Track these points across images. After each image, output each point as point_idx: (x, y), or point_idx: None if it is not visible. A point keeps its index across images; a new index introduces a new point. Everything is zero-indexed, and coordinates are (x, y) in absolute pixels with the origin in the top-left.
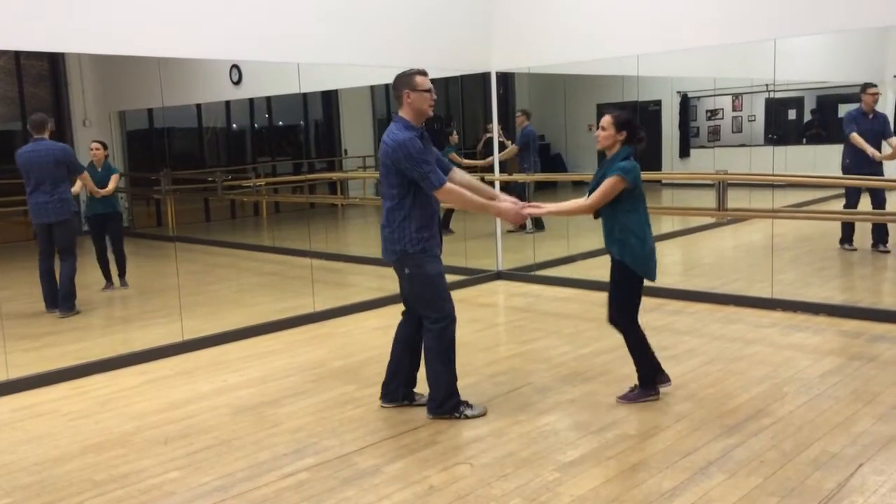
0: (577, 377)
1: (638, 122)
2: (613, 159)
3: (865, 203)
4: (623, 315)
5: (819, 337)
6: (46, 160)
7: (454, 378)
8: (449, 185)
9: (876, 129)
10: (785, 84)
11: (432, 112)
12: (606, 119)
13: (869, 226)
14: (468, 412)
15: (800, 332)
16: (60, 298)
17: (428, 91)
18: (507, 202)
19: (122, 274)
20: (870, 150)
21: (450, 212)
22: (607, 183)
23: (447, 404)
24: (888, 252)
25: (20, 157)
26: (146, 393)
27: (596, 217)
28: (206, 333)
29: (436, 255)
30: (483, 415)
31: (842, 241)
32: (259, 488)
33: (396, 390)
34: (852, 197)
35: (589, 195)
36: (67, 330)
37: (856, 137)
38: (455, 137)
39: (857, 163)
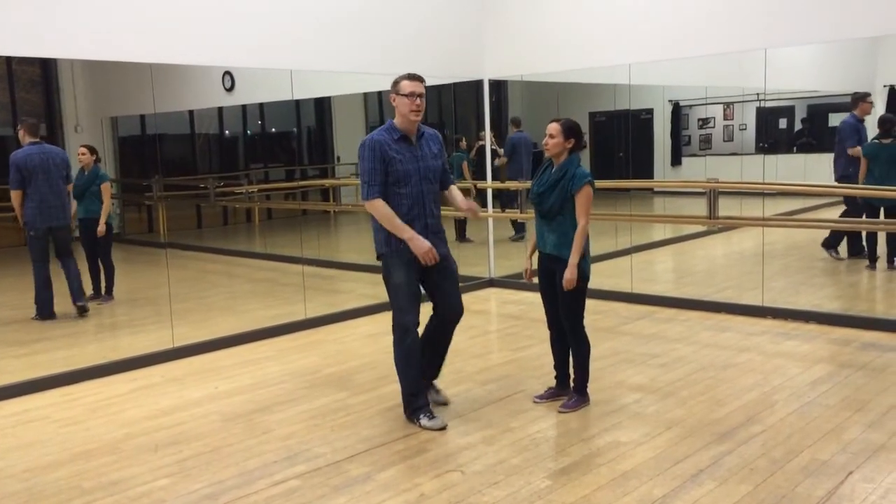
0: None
1: (580, 128)
2: (566, 168)
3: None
4: (576, 320)
5: (809, 345)
6: (55, 163)
7: (412, 384)
8: (377, 201)
9: (866, 134)
10: (776, 93)
11: (416, 117)
12: (554, 127)
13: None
14: (423, 422)
15: (790, 339)
16: (77, 291)
17: (408, 95)
18: (423, 241)
19: (109, 288)
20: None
21: (463, 219)
22: (585, 196)
23: (408, 409)
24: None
25: (24, 159)
26: (136, 400)
27: (544, 218)
28: (196, 340)
29: (405, 261)
30: (441, 429)
31: (830, 247)
32: (249, 496)
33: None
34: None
35: (537, 200)
36: (57, 336)
37: (857, 151)
38: (464, 143)
39: (858, 171)
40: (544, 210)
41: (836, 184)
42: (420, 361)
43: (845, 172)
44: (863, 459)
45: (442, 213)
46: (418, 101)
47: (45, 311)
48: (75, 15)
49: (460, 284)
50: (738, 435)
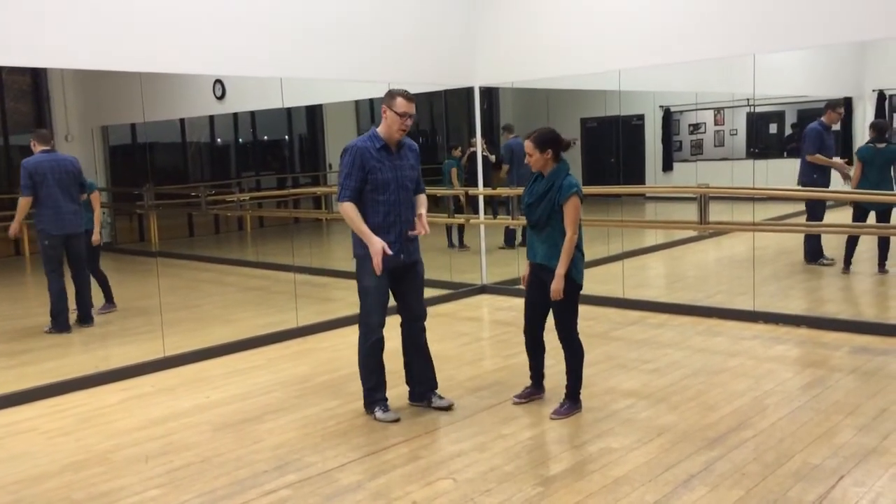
0: (560, 391)
1: (555, 132)
2: (554, 179)
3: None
4: (569, 328)
5: (800, 349)
6: (67, 170)
7: (371, 381)
8: (346, 204)
9: (833, 142)
10: (766, 98)
11: (400, 135)
12: (528, 145)
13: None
14: (378, 414)
15: (781, 344)
16: (86, 311)
17: (402, 115)
18: (378, 243)
19: (108, 296)
20: (837, 163)
21: (461, 226)
22: (572, 207)
23: (366, 402)
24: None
25: (35, 166)
26: (126, 410)
27: (533, 228)
28: (187, 349)
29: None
30: (394, 421)
31: (813, 257)
32: None
33: (414, 390)
34: (820, 211)
35: (528, 211)
36: (47, 347)
37: (820, 158)
38: (458, 152)
39: (824, 177)
40: (533, 221)
41: (826, 189)
42: (381, 360)
43: (808, 179)
44: (854, 463)
45: (437, 220)
46: (408, 121)
47: (60, 323)
48: (65, 25)
49: (453, 291)
50: (729, 440)
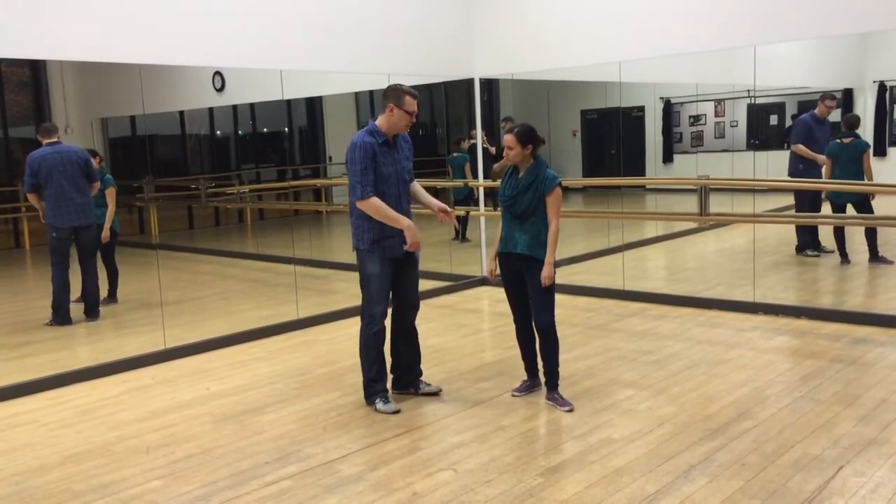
0: (560, 382)
1: (535, 129)
2: (537, 171)
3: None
4: (552, 316)
5: (800, 340)
6: (73, 161)
7: (372, 370)
8: (373, 199)
9: (827, 135)
10: (766, 90)
11: (407, 130)
12: (510, 139)
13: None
14: (379, 405)
15: (781, 335)
16: (92, 306)
17: (410, 113)
18: (409, 222)
19: (112, 291)
20: (821, 158)
21: (465, 220)
22: (556, 197)
23: (366, 392)
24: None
25: (39, 160)
26: (127, 402)
27: (517, 219)
28: (188, 342)
29: (383, 258)
30: (394, 413)
31: (804, 248)
32: (241, 497)
33: (400, 378)
34: (810, 202)
35: (510, 203)
36: (47, 339)
37: (802, 149)
38: (466, 144)
39: (809, 167)
40: (518, 212)
41: (826, 180)
42: (382, 351)
43: (794, 170)
44: (853, 454)
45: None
46: (414, 118)
47: (61, 316)
48: (64, 16)
49: (453, 283)
50: (729, 430)
